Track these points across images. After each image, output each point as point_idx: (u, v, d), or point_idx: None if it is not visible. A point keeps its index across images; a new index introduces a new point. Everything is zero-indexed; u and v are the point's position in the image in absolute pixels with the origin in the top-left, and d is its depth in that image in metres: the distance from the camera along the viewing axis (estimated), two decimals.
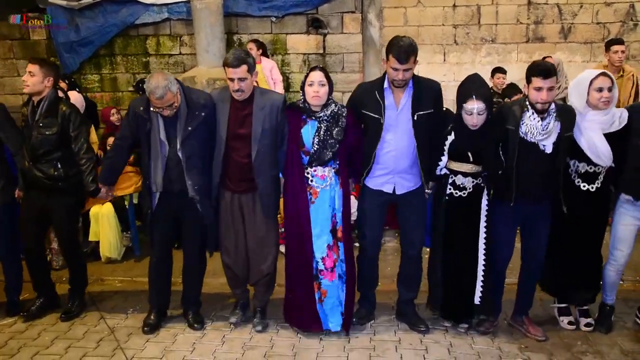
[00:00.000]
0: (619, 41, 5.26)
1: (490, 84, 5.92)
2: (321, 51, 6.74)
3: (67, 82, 5.42)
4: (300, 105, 3.21)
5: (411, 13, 6.71)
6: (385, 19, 6.70)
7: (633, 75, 5.20)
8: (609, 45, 5.26)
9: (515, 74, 6.31)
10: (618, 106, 5.39)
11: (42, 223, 3.62)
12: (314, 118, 3.17)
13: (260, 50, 6.00)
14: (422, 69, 6.68)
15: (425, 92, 3.16)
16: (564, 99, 3.25)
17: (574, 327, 3.34)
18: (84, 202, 4.00)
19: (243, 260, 3.36)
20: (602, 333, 3.30)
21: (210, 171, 3.25)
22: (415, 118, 3.11)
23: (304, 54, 6.75)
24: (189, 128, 3.14)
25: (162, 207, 3.29)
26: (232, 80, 3.10)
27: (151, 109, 3.13)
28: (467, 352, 3.13)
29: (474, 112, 2.95)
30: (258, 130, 3.14)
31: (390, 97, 3.15)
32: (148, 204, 3.32)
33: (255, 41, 6.04)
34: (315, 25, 6.65)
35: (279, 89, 5.90)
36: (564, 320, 3.39)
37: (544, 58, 5.57)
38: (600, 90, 3.02)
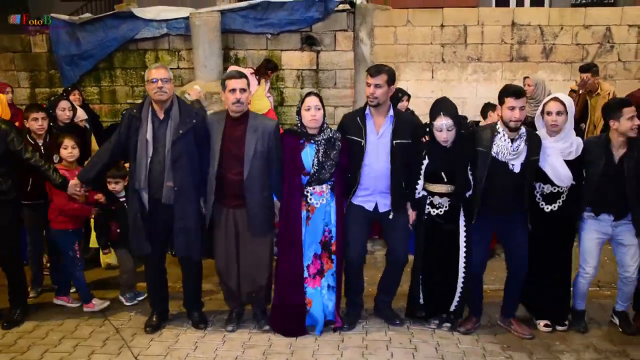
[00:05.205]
0: (586, 68, 5.66)
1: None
2: (314, 67, 7.00)
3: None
4: (298, 130, 3.44)
5: (401, 32, 7.01)
6: (376, 37, 6.99)
7: (609, 93, 5.46)
8: (579, 70, 5.71)
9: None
10: (595, 123, 5.69)
11: None
12: (312, 141, 3.39)
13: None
14: (412, 85, 6.98)
15: (405, 125, 3.50)
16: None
17: (550, 329, 3.57)
18: (20, 215, 3.84)
19: (235, 274, 3.50)
20: (579, 333, 3.54)
21: (196, 177, 3.39)
22: (393, 144, 3.41)
23: (298, 69, 7.01)
24: (180, 131, 3.32)
25: (152, 215, 3.40)
26: (233, 91, 3.30)
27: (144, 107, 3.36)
28: (454, 351, 3.34)
29: (444, 128, 3.26)
30: (250, 151, 3.32)
31: (371, 122, 3.47)
32: (136, 207, 3.38)
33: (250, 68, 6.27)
34: (309, 43, 6.92)
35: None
36: (540, 323, 3.61)
37: (525, 78, 5.88)
38: (549, 114, 3.33)
